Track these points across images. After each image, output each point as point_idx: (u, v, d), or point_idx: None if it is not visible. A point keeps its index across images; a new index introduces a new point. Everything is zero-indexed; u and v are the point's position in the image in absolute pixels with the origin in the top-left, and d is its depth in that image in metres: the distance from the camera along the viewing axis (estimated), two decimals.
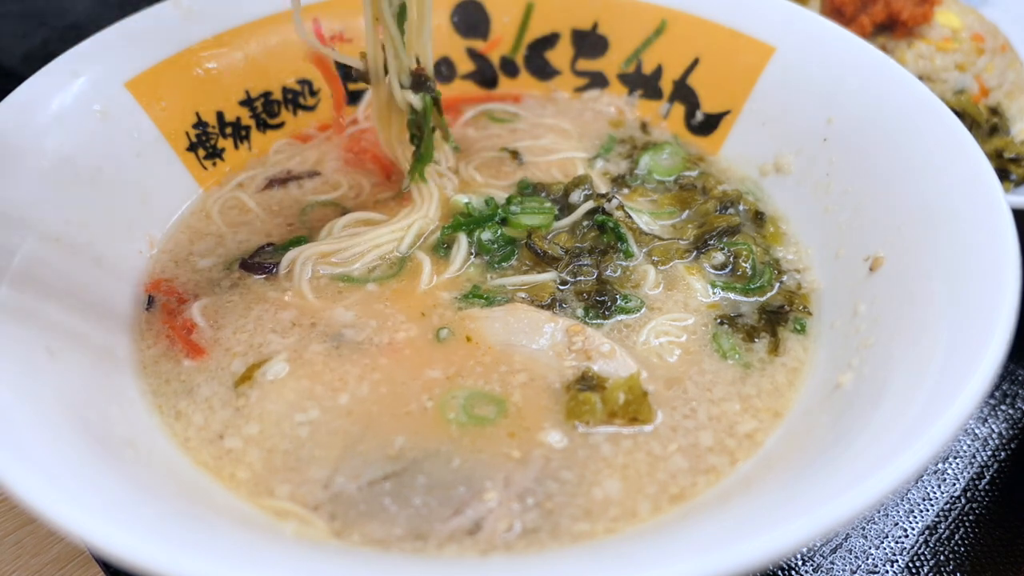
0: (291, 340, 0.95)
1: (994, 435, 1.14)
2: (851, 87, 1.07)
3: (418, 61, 1.09)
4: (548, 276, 1.02)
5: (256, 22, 1.23)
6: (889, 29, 1.44)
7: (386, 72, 1.09)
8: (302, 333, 0.96)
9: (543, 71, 1.38)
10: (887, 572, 0.99)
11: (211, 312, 0.99)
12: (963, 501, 1.07)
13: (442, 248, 1.06)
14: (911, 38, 1.43)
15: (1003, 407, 1.18)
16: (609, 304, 0.99)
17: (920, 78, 1.26)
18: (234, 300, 1.01)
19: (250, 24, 1.23)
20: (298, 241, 1.08)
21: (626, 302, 0.99)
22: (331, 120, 1.31)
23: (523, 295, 1.00)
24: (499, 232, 1.06)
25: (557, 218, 1.10)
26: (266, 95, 1.26)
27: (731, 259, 1.05)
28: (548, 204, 1.11)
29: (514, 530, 0.77)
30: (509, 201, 1.10)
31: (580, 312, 0.98)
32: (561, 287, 1.01)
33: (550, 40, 1.36)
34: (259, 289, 1.02)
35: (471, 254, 1.05)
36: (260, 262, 1.05)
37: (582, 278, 1.02)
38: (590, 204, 1.10)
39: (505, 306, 0.98)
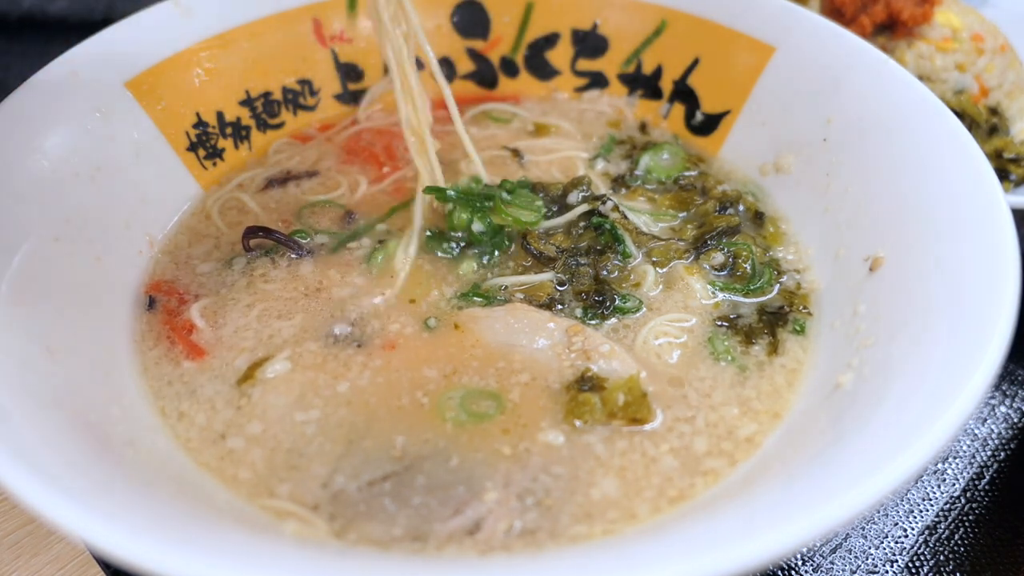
0: (292, 339, 0.95)
1: (994, 435, 1.14)
2: (851, 87, 1.07)
3: None
4: (546, 276, 1.02)
5: (256, 22, 1.23)
6: (889, 29, 1.44)
7: None
8: (303, 332, 0.96)
9: (543, 71, 1.38)
10: (887, 572, 0.99)
11: (211, 312, 0.99)
12: (963, 501, 1.07)
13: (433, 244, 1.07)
14: (911, 38, 1.43)
15: (1003, 407, 1.18)
16: (607, 304, 0.99)
17: (920, 78, 1.26)
18: (234, 299, 1.01)
19: (250, 24, 1.23)
20: (300, 234, 1.08)
21: (624, 302, 0.99)
22: (331, 120, 1.32)
23: (521, 295, 1.00)
24: (488, 221, 1.06)
25: (550, 217, 1.10)
26: (266, 95, 1.26)
27: (731, 259, 1.05)
28: (539, 203, 1.10)
29: (514, 530, 0.77)
30: (501, 186, 1.10)
31: (579, 312, 0.98)
32: (559, 287, 1.01)
33: (550, 40, 1.36)
34: (260, 287, 1.02)
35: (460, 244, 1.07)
36: (292, 240, 1.07)
37: (580, 278, 1.02)
38: (585, 207, 1.09)
39: (505, 306, 0.98)
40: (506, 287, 1.01)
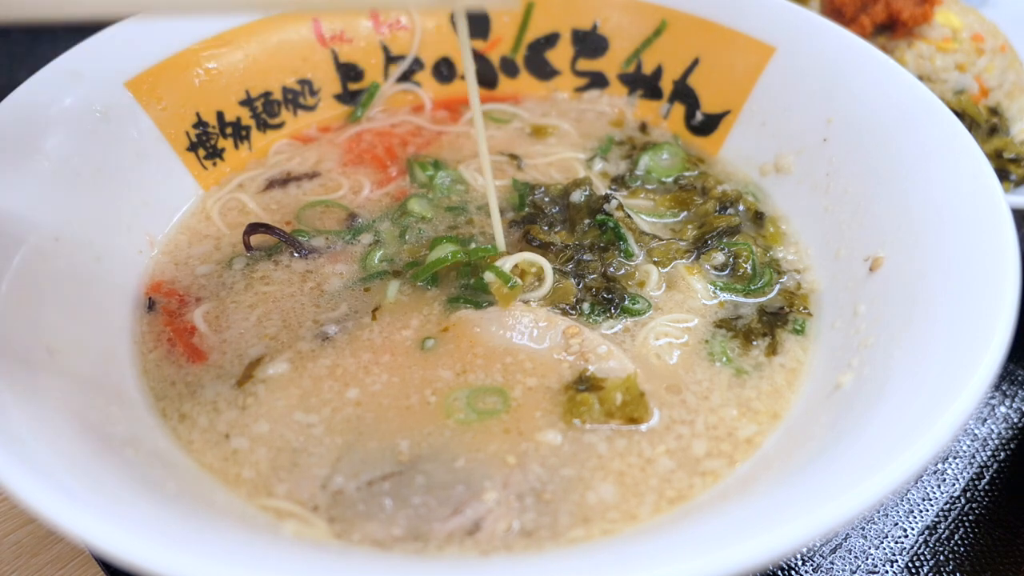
0: (290, 340, 0.95)
1: (993, 435, 1.14)
2: (851, 87, 1.07)
3: None
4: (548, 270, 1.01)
5: (256, 22, 1.23)
6: (889, 29, 1.44)
7: None
8: (302, 333, 0.96)
9: (543, 71, 1.38)
10: (887, 572, 0.99)
11: (212, 315, 0.99)
12: (963, 501, 1.07)
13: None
14: (911, 38, 1.43)
15: (1003, 407, 1.18)
16: (616, 302, 0.98)
17: (920, 78, 1.26)
18: (235, 301, 1.01)
19: (250, 24, 1.23)
20: (301, 233, 1.09)
21: (634, 303, 0.99)
22: (331, 120, 1.32)
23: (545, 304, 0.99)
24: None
25: (552, 223, 1.10)
26: (266, 95, 1.26)
27: (731, 259, 1.05)
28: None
29: (513, 530, 0.77)
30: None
31: (587, 308, 0.98)
32: (565, 273, 1.01)
33: (550, 40, 1.36)
34: (260, 288, 1.02)
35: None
36: (293, 237, 1.07)
37: (588, 274, 1.01)
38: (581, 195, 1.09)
39: (498, 306, 0.97)
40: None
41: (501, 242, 1.02)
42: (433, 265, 1.01)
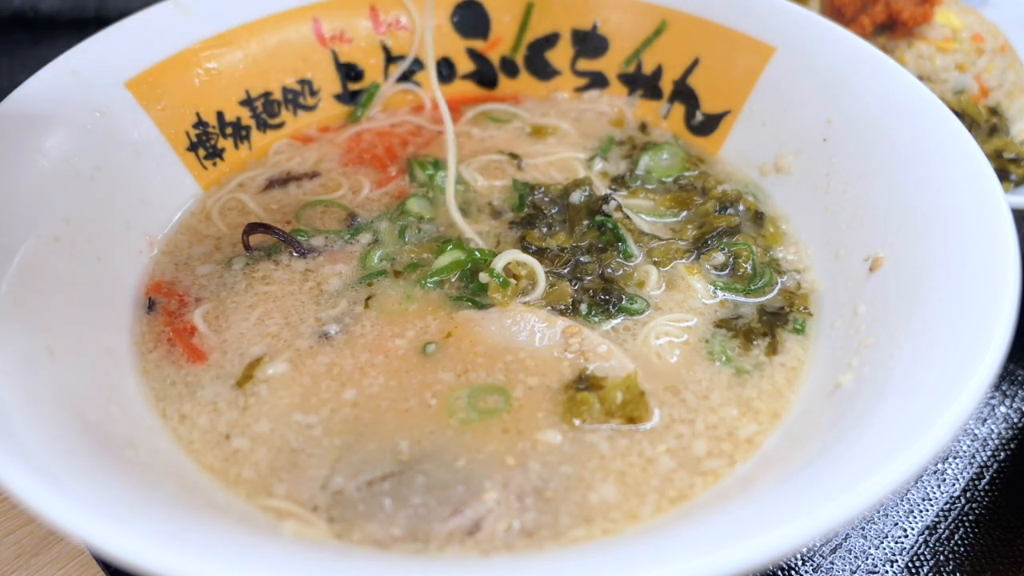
0: (290, 340, 0.95)
1: (993, 435, 1.14)
2: (851, 87, 1.07)
3: None
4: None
5: (256, 22, 1.23)
6: (889, 29, 1.44)
7: None
8: (302, 333, 0.96)
9: (543, 71, 1.38)
10: (887, 572, 0.99)
11: (212, 315, 0.99)
12: (963, 501, 1.07)
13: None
14: (911, 38, 1.43)
15: (1003, 407, 1.18)
16: (615, 303, 0.98)
17: (920, 78, 1.26)
18: (235, 302, 1.01)
19: (250, 24, 1.23)
20: (300, 233, 1.09)
21: (632, 303, 0.99)
22: (331, 120, 1.32)
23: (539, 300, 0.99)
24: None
25: (551, 223, 1.10)
26: (266, 95, 1.26)
27: (731, 259, 1.05)
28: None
29: (513, 530, 0.77)
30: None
31: (584, 308, 0.98)
32: (566, 279, 1.01)
33: (550, 40, 1.36)
34: (260, 288, 1.02)
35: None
36: (292, 237, 1.07)
37: (586, 275, 1.02)
38: (580, 196, 1.10)
39: (499, 307, 0.97)
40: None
41: (479, 240, 1.06)
42: (440, 272, 1.01)
